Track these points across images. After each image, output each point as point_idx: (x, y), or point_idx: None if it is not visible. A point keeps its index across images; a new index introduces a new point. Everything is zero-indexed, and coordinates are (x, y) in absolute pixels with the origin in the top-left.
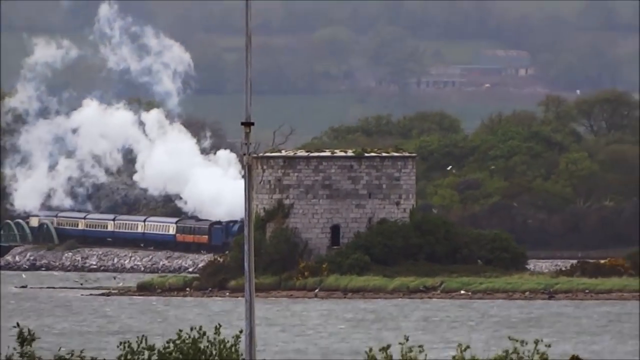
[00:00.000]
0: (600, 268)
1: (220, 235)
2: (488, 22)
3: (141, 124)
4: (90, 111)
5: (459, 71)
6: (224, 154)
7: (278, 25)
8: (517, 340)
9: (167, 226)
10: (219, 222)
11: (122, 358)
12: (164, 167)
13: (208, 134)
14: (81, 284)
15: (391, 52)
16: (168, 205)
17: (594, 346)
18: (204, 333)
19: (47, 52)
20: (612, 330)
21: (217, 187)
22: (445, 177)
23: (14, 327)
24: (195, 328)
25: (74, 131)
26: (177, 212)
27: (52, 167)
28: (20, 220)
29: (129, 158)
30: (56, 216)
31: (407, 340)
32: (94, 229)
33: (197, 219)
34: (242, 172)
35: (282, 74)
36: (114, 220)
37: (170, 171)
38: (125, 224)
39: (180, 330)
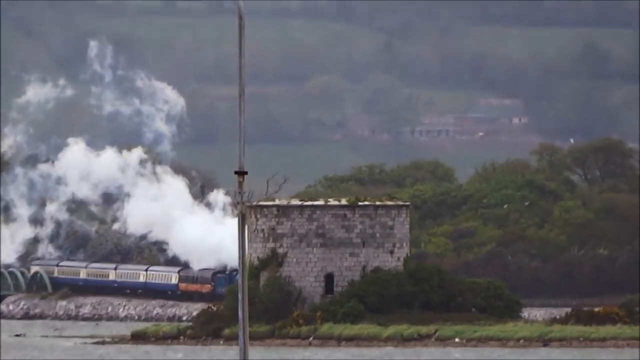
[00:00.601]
0: (594, 316)
1: (224, 284)
2: (482, 71)
3: (125, 167)
4: (75, 154)
5: (453, 120)
6: (218, 196)
7: (271, 74)
8: None
9: (170, 275)
10: (222, 271)
11: None
12: (151, 211)
13: (198, 180)
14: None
15: (384, 101)
16: (161, 253)
17: None
18: None
19: (40, 90)
20: None
21: (207, 234)
22: (439, 226)
23: None
24: None
25: (58, 180)
26: (172, 261)
27: (35, 218)
28: (14, 270)
29: (111, 200)
30: (57, 265)
31: None
32: (95, 278)
33: (201, 269)
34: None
35: (275, 123)
36: (115, 269)
37: (157, 215)
38: (127, 273)
39: None
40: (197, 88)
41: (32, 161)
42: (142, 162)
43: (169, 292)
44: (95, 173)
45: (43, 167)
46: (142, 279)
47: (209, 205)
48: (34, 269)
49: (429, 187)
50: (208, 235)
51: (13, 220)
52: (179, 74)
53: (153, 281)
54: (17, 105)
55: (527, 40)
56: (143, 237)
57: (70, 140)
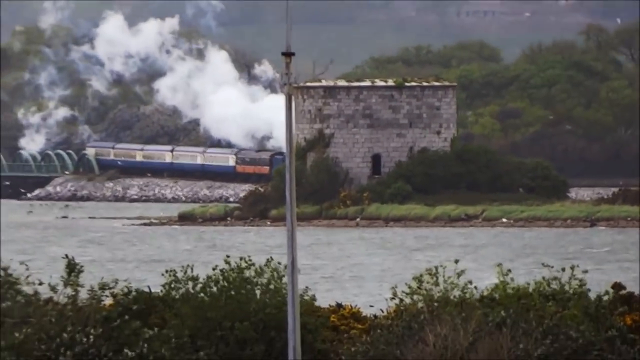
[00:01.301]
0: None
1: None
2: None
3: (164, 42)
4: (112, 30)
5: (499, 0)
6: (266, 69)
7: None
8: (552, 267)
9: (227, 157)
10: (280, 153)
11: (166, 287)
12: (193, 88)
13: (242, 59)
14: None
15: None
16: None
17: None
18: (251, 263)
19: None
20: None
21: (246, 111)
22: (486, 107)
23: (64, 257)
24: (244, 258)
25: (97, 61)
26: (219, 141)
27: (74, 100)
28: (60, 151)
29: (152, 77)
30: (113, 147)
31: (457, 262)
32: (151, 161)
33: (257, 150)
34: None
35: (320, 4)
36: (172, 151)
37: (198, 92)
38: (184, 155)
39: (228, 256)
40: None
41: (71, 41)
42: (182, 35)
43: (226, 174)
44: (134, 48)
45: (83, 48)
46: (199, 161)
47: (255, 78)
48: (89, 151)
49: (475, 67)
50: (247, 112)
51: (48, 103)
52: None
53: (210, 163)
54: None
55: None
56: (189, 118)
57: (109, 13)
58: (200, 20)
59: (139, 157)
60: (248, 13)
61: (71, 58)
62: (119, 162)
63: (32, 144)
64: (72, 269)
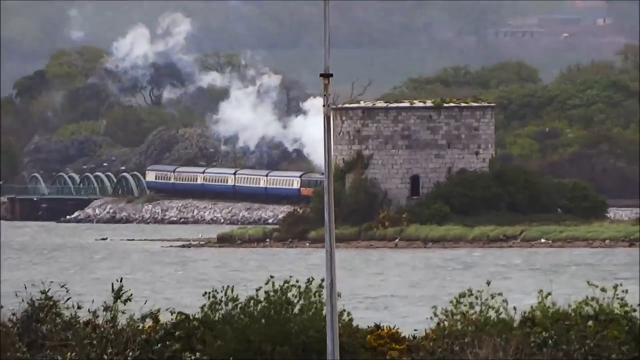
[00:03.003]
0: None
1: None
2: None
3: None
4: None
5: (537, 21)
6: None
7: None
8: (596, 286)
9: (291, 180)
10: None
11: (206, 309)
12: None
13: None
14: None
15: (469, 4)
16: (247, 156)
17: None
18: (293, 283)
19: None
20: None
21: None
22: (524, 127)
23: (117, 280)
24: (287, 279)
25: None
26: (258, 164)
27: None
28: (99, 173)
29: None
30: (174, 171)
31: (489, 284)
32: (214, 184)
33: (322, 172)
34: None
35: (360, 27)
36: (234, 174)
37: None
38: (247, 178)
39: (272, 277)
40: None
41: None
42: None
43: (291, 197)
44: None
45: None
46: (262, 184)
47: (303, 112)
48: (149, 174)
49: (513, 88)
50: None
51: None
52: None
53: (274, 186)
54: None
55: None
56: (229, 140)
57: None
58: (242, 43)
59: (199, 180)
60: (288, 36)
61: (107, 81)
62: (176, 185)
63: (71, 167)
64: (119, 295)
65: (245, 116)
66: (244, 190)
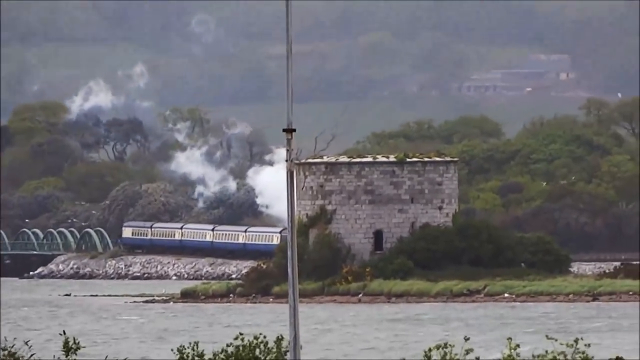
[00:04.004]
0: None
1: None
2: (530, 26)
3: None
4: None
5: (500, 75)
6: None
7: (321, 32)
8: (555, 340)
9: (271, 236)
10: None
11: None
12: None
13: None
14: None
15: (434, 58)
16: (210, 211)
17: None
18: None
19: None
20: None
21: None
22: (487, 182)
23: (61, 334)
24: (257, 336)
25: None
26: (214, 220)
27: None
28: (63, 229)
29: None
30: (151, 227)
31: (467, 340)
32: (192, 239)
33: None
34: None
35: (324, 81)
36: (212, 230)
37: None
38: (225, 234)
39: (241, 333)
40: (247, 45)
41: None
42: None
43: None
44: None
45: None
46: (241, 240)
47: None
48: (126, 230)
49: (477, 142)
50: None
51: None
52: (227, 33)
53: (253, 242)
54: None
55: None
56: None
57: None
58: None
59: (177, 236)
60: (252, 91)
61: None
62: (153, 242)
63: (34, 222)
64: (69, 348)
65: (208, 170)
66: (223, 247)
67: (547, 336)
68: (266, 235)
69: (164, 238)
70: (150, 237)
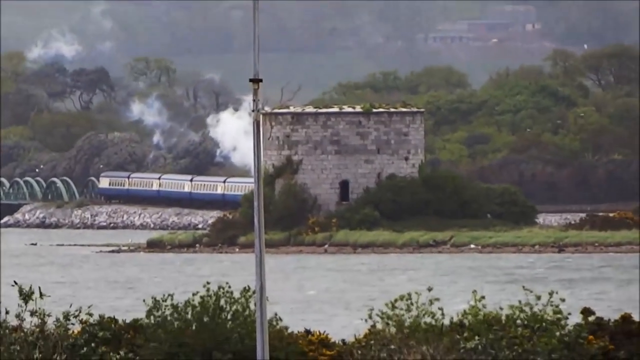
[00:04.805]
0: (609, 221)
1: None
2: None
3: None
4: None
5: (466, 27)
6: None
7: None
8: (531, 292)
9: (250, 187)
10: None
11: (148, 313)
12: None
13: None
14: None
15: (398, 9)
16: (175, 162)
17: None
18: (227, 290)
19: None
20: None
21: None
22: (453, 133)
23: (13, 285)
24: (223, 286)
25: None
26: (185, 169)
27: None
28: (29, 178)
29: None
30: (128, 177)
31: (430, 290)
32: (170, 190)
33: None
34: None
35: (289, 32)
36: (191, 180)
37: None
38: (204, 184)
39: (208, 283)
40: None
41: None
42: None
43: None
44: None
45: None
46: (220, 191)
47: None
48: (103, 181)
49: (443, 93)
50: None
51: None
52: None
53: (231, 192)
54: None
55: None
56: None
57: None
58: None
59: (155, 186)
60: (217, 41)
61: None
62: (130, 192)
63: (1, 172)
64: (26, 296)
65: (172, 121)
66: (202, 197)
67: (523, 287)
68: (245, 186)
69: (141, 188)
70: (127, 188)
